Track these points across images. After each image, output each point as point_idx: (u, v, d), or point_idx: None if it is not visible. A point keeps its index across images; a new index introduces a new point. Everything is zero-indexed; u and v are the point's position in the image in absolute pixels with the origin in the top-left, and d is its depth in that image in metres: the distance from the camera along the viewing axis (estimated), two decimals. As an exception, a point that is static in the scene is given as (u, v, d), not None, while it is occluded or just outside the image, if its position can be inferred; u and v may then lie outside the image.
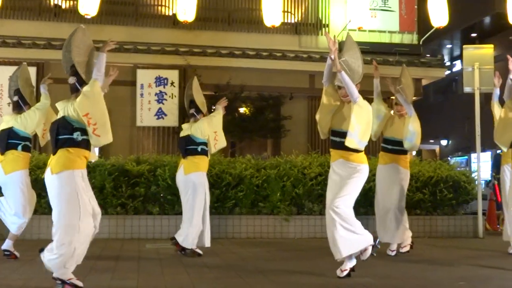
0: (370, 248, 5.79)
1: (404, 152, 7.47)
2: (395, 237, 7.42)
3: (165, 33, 13.86)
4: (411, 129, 7.27)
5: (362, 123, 5.70)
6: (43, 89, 6.93)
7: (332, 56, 5.66)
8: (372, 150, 8.86)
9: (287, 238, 9.35)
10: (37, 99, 7.07)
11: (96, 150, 5.93)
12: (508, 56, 7.47)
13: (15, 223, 6.79)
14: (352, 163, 5.76)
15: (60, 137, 4.98)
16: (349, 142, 5.65)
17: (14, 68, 12.12)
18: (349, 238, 5.65)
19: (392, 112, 7.73)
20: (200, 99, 7.54)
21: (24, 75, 7.06)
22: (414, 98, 8.36)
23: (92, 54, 5.24)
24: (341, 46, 6.06)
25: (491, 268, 6.46)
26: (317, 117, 6.03)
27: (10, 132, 6.76)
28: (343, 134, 5.75)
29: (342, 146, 5.77)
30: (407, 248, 7.53)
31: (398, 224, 7.41)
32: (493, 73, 8.28)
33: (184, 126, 7.57)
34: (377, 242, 5.97)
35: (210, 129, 7.38)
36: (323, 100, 5.99)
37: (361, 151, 5.81)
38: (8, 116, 6.99)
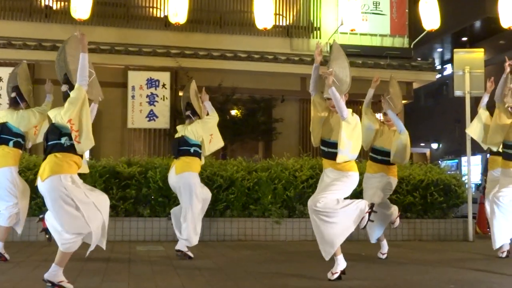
0: (366, 216, 5.86)
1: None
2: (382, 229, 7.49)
3: (156, 35, 13.82)
4: (400, 145, 7.23)
5: (352, 138, 5.76)
6: (48, 98, 6.95)
7: (329, 73, 5.70)
8: (362, 153, 8.87)
9: (278, 241, 9.35)
10: (34, 99, 7.11)
11: (87, 154, 5.90)
12: (506, 58, 7.53)
13: (4, 214, 6.75)
14: (341, 172, 5.83)
15: (49, 143, 5.00)
16: (340, 158, 5.74)
17: (4, 68, 12.23)
18: (334, 233, 5.71)
19: (380, 116, 7.72)
20: (196, 102, 7.56)
21: (24, 73, 7.07)
22: (404, 101, 8.37)
23: None
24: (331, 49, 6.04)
25: (480, 272, 6.50)
26: (311, 129, 6.07)
27: (3, 127, 6.71)
28: (331, 145, 5.83)
29: (330, 156, 5.84)
30: (398, 221, 7.56)
31: (386, 221, 7.51)
32: (484, 77, 8.32)
33: (179, 128, 7.57)
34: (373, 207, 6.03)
35: (204, 133, 7.38)
36: (312, 113, 6.04)
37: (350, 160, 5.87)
38: (4, 111, 6.95)
